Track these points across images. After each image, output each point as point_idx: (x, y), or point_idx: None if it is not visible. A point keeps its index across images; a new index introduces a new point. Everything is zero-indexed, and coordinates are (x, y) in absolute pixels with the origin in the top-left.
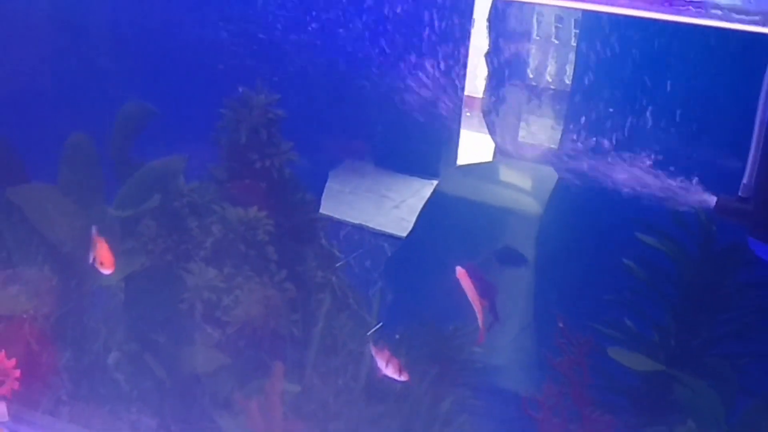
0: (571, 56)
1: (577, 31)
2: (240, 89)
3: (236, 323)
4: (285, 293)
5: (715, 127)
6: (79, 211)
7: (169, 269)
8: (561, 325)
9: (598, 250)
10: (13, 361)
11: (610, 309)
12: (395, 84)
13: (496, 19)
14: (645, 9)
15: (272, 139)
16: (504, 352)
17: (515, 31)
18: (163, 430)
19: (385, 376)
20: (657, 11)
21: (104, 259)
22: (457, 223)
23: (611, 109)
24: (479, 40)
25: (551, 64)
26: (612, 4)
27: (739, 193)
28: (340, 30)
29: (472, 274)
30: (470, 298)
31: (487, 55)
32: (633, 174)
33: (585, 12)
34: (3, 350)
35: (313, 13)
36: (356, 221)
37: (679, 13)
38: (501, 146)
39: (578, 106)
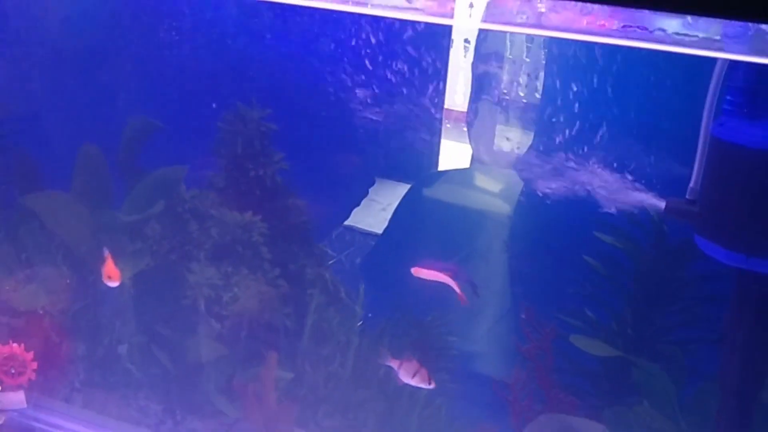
0: (541, 74)
1: (545, 51)
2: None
3: (234, 317)
4: (278, 289)
5: (665, 138)
6: (90, 216)
7: (173, 268)
8: (523, 316)
9: (562, 247)
10: (31, 354)
11: (573, 300)
12: (383, 100)
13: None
14: (601, 35)
15: (265, 150)
16: (478, 341)
17: (491, 52)
18: (168, 413)
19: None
20: (610, 36)
21: (111, 274)
22: (435, 221)
23: (576, 121)
24: (457, 59)
25: (522, 81)
26: (572, 31)
27: (687, 196)
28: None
29: (424, 266)
30: (437, 279)
31: (468, 72)
32: (593, 179)
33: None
34: (22, 343)
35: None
36: (346, 223)
37: (629, 37)
38: (476, 154)
39: (546, 117)
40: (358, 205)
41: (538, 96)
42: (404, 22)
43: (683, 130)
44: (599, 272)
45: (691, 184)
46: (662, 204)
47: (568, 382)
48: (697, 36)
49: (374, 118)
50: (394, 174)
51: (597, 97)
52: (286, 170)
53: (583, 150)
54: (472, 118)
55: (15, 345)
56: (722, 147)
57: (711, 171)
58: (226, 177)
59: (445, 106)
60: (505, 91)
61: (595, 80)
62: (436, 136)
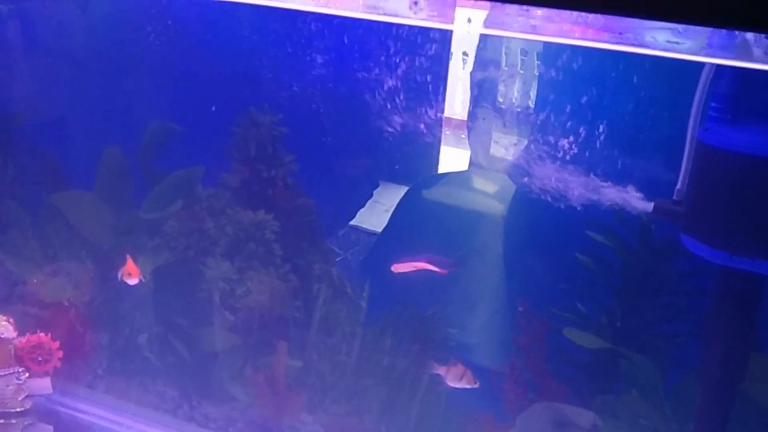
0: (534, 83)
1: (539, 62)
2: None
3: (247, 309)
4: (288, 283)
5: (654, 141)
6: (112, 214)
7: (190, 263)
8: (521, 309)
9: (555, 245)
10: (56, 343)
11: (565, 295)
12: (386, 107)
13: (472, 51)
14: (593, 40)
15: (276, 152)
16: (475, 333)
17: (488, 61)
18: (184, 399)
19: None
20: (602, 41)
21: (132, 271)
22: (433, 220)
23: (568, 126)
24: (456, 69)
25: (518, 89)
26: (566, 37)
27: (674, 197)
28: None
29: (400, 262)
30: (415, 267)
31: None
32: (585, 182)
33: (545, 44)
34: (49, 332)
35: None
36: (352, 222)
37: (620, 42)
38: (474, 158)
39: (540, 124)
40: (363, 206)
41: (531, 104)
42: (412, 28)
43: (671, 136)
44: (590, 269)
45: (678, 186)
46: (650, 205)
47: (561, 372)
48: (684, 44)
49: (379, 124)
50: (397, 177)
51: (588, 103)
52: (296, 172)
53: (575, 154)
54: (471, 124)
55: (42, 334)
56: (707, 151)
57: (696, 174)
58: (240, 178)
59: (445, 115)
60: (501, 99)
61: (585, 87)
62: (436, 142)
